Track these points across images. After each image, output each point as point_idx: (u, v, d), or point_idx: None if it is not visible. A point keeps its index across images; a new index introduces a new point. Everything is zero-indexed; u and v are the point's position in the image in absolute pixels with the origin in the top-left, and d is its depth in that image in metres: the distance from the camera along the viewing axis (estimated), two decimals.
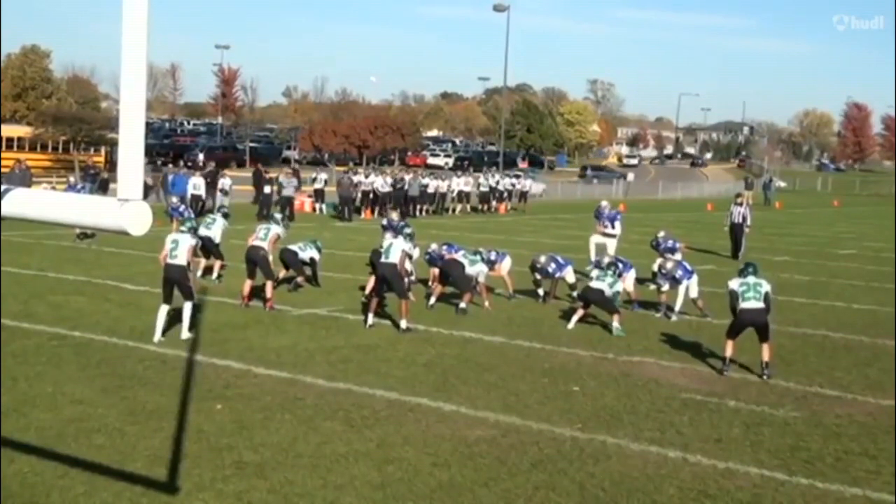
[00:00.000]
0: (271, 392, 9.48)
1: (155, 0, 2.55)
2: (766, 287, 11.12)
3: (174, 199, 22.45)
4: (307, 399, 9.28)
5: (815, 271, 21.82)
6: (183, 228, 12.84)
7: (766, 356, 10.93)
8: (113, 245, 19.84)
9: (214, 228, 16.52)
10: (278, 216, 15.83)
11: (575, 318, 13.50)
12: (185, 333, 11.69)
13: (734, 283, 11.23)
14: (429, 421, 8.74)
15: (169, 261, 11.93)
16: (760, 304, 10.97)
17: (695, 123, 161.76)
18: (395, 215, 19.46)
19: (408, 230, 13.83)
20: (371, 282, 15.14)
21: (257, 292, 14.15)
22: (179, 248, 11.93)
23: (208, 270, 16.51)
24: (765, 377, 10.82)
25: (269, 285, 14.02)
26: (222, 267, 16.62)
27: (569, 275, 15.97)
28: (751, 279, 11.17)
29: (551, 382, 10.40)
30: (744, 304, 11.00)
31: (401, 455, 7.72)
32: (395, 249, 13.01)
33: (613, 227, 19.01)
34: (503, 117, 73.02)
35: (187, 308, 11.75)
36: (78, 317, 12.83)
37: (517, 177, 57.71)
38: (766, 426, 9.06)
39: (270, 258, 14.43)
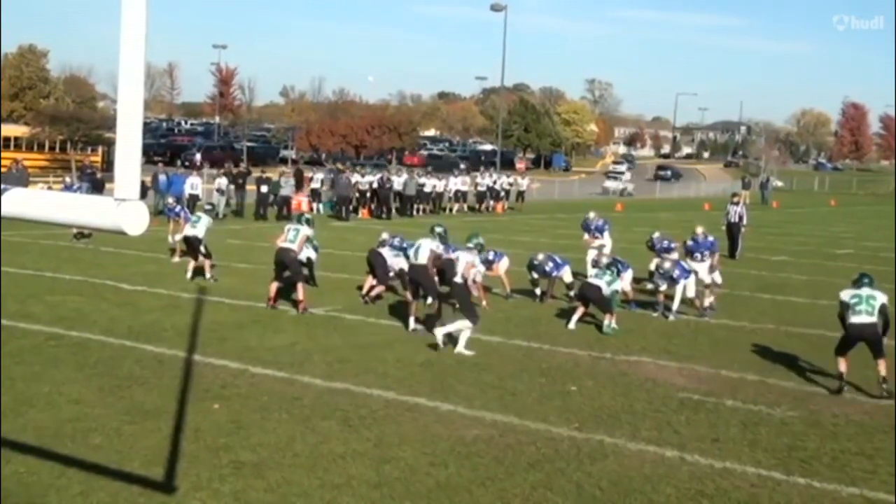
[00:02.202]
0: (268, 392, 9.48)
1: None
2: (881, 299, 10.49)
3: (170, 200, 22.40)
4: (304, 399, 9.28)
5: (812, 271, 21.84)
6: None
7: (882, 371, 10.36)
8: (110, 245, 19.82)
9: (200, 227, 16.39)
10: (307, 217, 15.47)
11: (575, 317, 13.49)
12: (461, 348, 11.59)
13: (845, 295, 10.63)
14: (426, 420, 8.74)
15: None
16: (872, 318, 10.37)
17: (692, 123, 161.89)
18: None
19: (439, 229, 13.69)
20: (368, 281, 15.16)
21: (271, 294, 14.08)
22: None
23: (198, 271, 16.33)
24: (885, 395, 10.15)
25: (300, 287, 13.91)
26: (212, 266, 16.48)
27: (566, 274, 15.97)
28: (864, 291, 10.56)
29: (549, 382, 10.40)
30: (854, 319, 10.39)
31: (398, 454, 7.72)
32: (424, 250, 12.85)
33: (602, 236, 19.02)
34: (500, 117, 73.04)
35: (463, 325, 11.69)
36: (75, 317, 12.81)
37: (615, 178, 65.06)
38: (763, 426, 9.06)
39: (302, 256, 14.35)
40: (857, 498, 7.29)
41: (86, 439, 7.77)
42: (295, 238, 14.04)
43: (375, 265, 14.99)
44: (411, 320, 12.84)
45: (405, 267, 15.42)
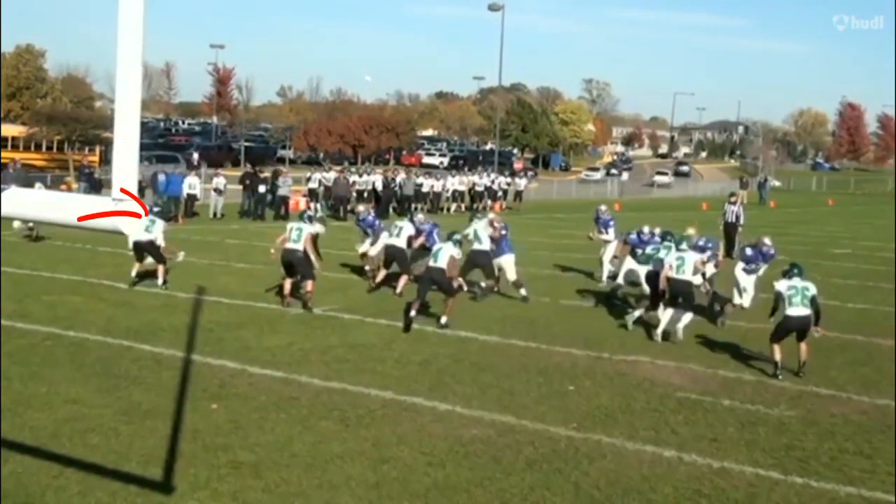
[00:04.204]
0: (266, 391, 9.47)
1: None
2: (813, 290, 11.07)
3: (160, 201, 22.12)
4: (302, 398, 9.28)
5: (809, 270, 21.70)
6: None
7: (803, 356, 10.97)
8: (107, 244, 19.79)
9: (155, 230, 15.53)
10: (310, 214, 15.28)
11: (636, 313, 13.60)
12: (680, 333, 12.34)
13: (781, 286, 11.12)
14: (424, 420, 8.74)
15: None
16: (808, 311, 10.93)
17: (690, 123, 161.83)
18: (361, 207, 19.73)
19: (457, 237, 13.71)
20: (381, 273, 15.49)
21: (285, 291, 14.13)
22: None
23: (151, 274, 15.57)
24: (803, 374, 10.92)
25: (309, 283, 13.95)
26: (166, 272, 15.73)
27: (510, 267, 16.01)
28: (798, 282, 11.07)
29: (547, 382, 10.41)
30: (791, 311, 10.93)
31: (396, 454, 7.72)
32: (445, 255, 13.02)
33: (607, 232, 19.05)
34: (498, 117, 73.05)
35: (685, 318, 12.26)
36: (72, 316, 12.79)
37: (663, 174, 77.31)
38: (761, 425, 9.07)
39: (313, 255, 14.29)
40: (854, 498, 7.30)
41: (83, 439, 7.76)
42: (299, 237, 13.99)
43: (395, 256, 15.32)
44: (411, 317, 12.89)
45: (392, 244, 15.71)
